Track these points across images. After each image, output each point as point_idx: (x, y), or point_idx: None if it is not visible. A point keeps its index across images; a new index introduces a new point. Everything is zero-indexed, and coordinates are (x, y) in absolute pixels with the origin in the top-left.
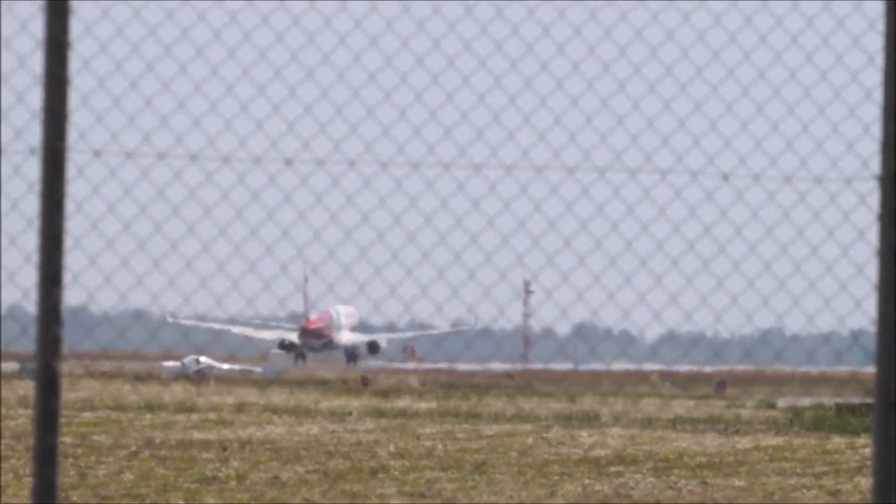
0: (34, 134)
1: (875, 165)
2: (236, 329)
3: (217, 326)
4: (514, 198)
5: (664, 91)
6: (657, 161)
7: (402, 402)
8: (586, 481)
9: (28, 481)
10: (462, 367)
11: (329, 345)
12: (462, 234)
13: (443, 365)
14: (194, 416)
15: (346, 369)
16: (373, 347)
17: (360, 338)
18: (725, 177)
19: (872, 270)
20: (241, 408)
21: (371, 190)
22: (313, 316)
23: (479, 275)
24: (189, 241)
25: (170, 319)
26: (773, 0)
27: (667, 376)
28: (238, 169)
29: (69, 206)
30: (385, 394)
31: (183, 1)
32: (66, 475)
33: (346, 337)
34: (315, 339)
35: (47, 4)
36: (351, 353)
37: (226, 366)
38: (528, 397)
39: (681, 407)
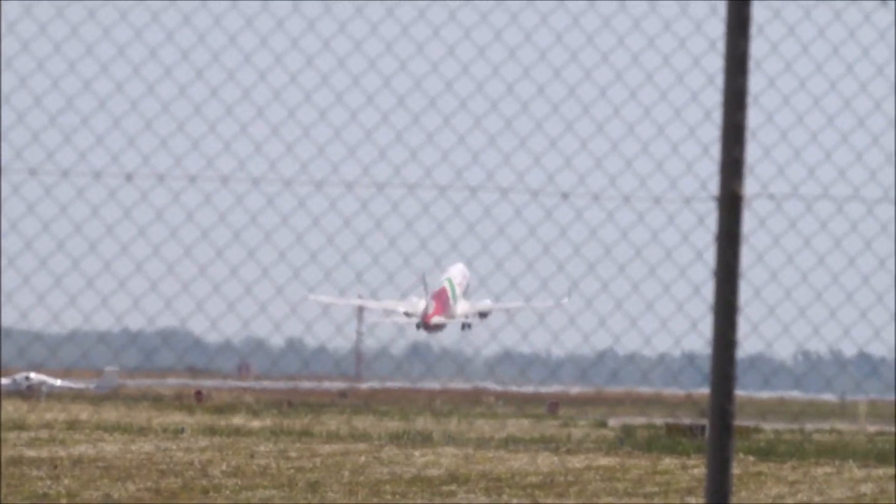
0: None
1: (713, 186)
2: (371, 304)
3: (356, 302)
4: (355, 214)
5: (506, 109)
6: (498, 179)
7: (237, 420)
8: (419, 500)
9: None
10: (299, 385)
11: (444, 325)
12: (302, 251)
13: (281, 384)
14: (25, 434)
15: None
16: (483, 316)
17: (473, 308)
18: (565, 195)
19: (709, 291)
20: (72, 425)
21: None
22: (432, 305)
23: (316, 291)
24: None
25: (311, 297)
26: (614, 18)
27: (501, 395)
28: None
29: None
30: (219, 410)
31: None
32: None
33: (459, 309)
34: (435, 330)
35: None
36: (465, 325)
37: (59, 382)
38: (363, 416)
39: (515, 426)
